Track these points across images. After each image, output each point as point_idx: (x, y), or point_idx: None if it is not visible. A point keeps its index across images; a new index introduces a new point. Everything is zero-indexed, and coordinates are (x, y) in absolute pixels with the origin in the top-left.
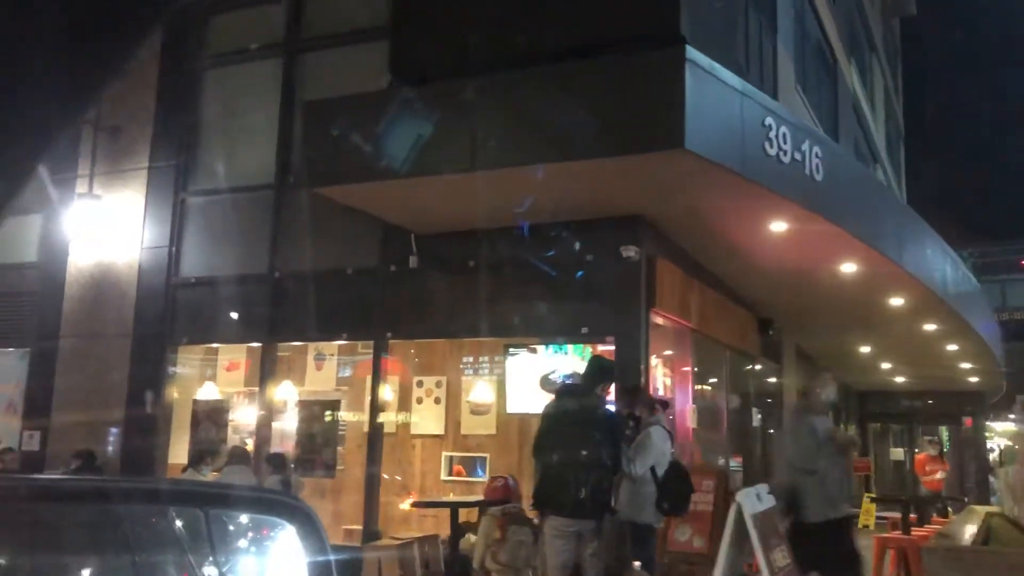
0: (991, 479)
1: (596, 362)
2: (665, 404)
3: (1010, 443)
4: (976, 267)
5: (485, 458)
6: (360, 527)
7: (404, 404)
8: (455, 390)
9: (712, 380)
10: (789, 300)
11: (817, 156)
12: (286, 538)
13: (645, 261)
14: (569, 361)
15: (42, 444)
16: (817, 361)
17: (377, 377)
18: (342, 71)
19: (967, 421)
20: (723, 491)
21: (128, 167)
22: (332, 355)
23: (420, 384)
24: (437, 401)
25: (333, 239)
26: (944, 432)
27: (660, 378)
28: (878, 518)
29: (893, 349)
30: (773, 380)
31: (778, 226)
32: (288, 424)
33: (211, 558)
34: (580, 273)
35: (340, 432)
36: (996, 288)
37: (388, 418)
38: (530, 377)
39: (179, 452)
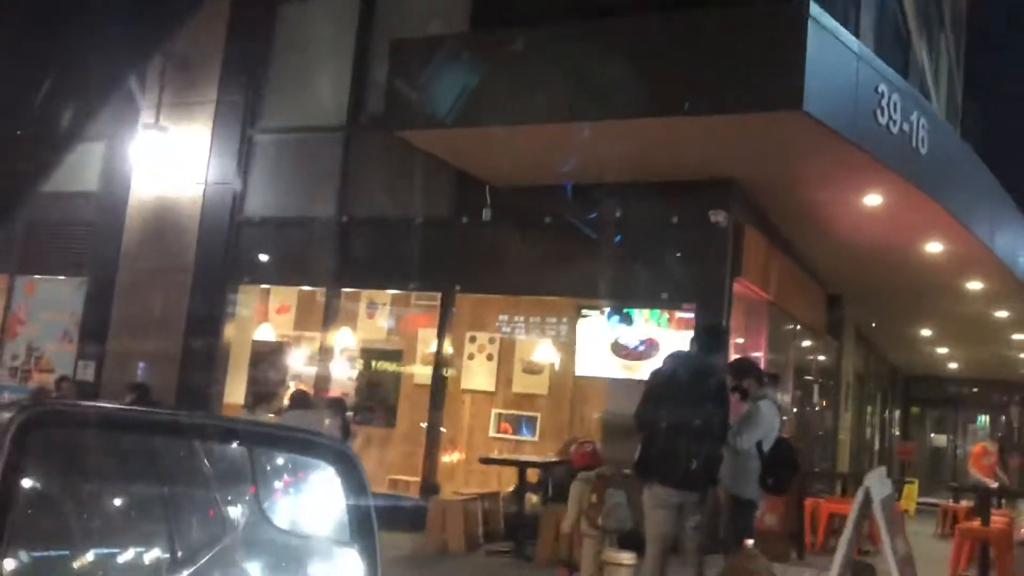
0: None
1: (711, 328)
2: (776, 378)
3: None
4: None
5: (535, 417)
6: (408, 478)
7: (455, 359)
8: (508, 347)
9: (780, 355)
10: (861, 278)
11: (923, 128)
12: (328, 479)
13: (733, 227)
14: (645, 327)
15: (96, 374)
16: (872, 341)
17: (443, 329)
18: (421, 11)
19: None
20: None
21: (195, 100)
22: (384, 304)
23: (473, 340)
24: (489, 358)
25: (405, 186)
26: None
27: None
28: (927, 504)
29: (955, 334)
30: (833, 358)
31: (873, 199)
32: (343, 371)
33: (254, 495)
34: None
35: (388, 382)
36: None
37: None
38: (602, 340)
39: (235, 391)
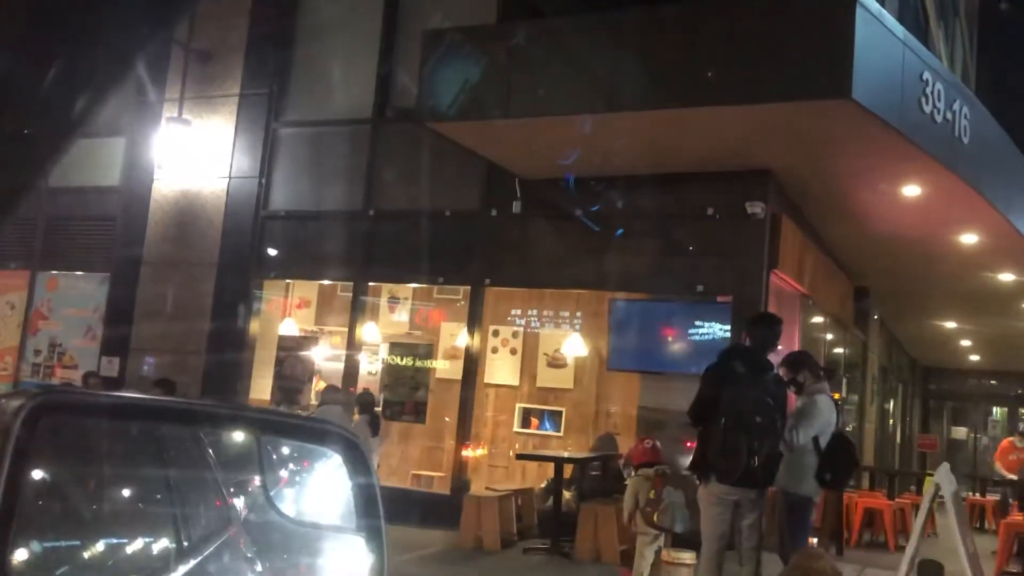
0: None
1: (765, 320)
2: (831, 372)
3: None
4: None
5: (560, 412)
6: (432, 473)
7: (479, 353)
8: (531, 341)
9: (812, 349)
10: (889, 270)
11: (966, 117)
12: (334, 467)
13: (770, 218)
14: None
15: (121, 370)
16: (894, 334)
17: (473, 323)
18: (446, 3)
19: None
20: None
21: (218, 93)
22: (406, 299)
23: (496, 334)
24: (513, 352)
25: (432, 179)
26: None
27: None
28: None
29: (980, 327)
30: (859, 351)
31: (912, 189)
32: (368, 365)
33: (260, 483)
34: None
35: (411, 376)
36: None
37: (460, 366)
38: (636, 333)
39: (261, 387)
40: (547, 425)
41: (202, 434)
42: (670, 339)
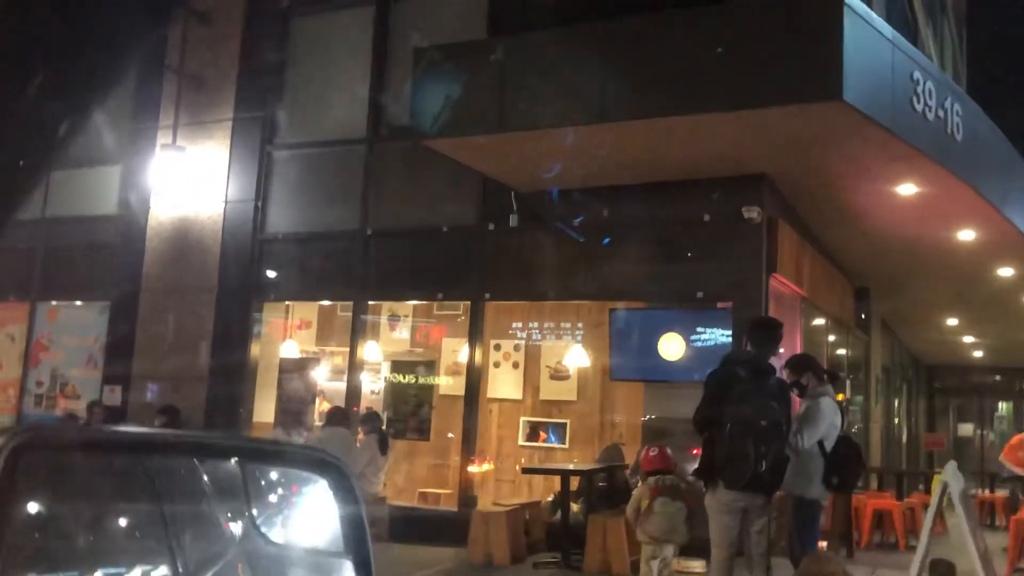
0: None
1: (764, 325)
2: (835, 375)
3: None
4: None
5: (564, 424)
6: (438, 490)
7: (481, 368)
8: (533, 354)
9: (814, 351)
10: (889, 269)
11: (958, 115)
12: (320, 492)
13: (766, 223)
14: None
15: (123, 399)
16: (897, 333)
17: (474, 338)
18: (437, 18)
19: None
20: None
21: (212, 118)
22: (406, 316)
23: (498, 348)
24: (515, 365)
25: (428, 195)
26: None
27: None
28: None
29: (982, 322)
30: (861, 351)
31: (907, 188)
32: (371, 384)
33: (248, 509)
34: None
35: (414, 394)
36: None
37: (462, 382)
38: (637, 342)
39: (264, 410)
40: (552, 438)
41: (191, 464)
42: (672, 347)
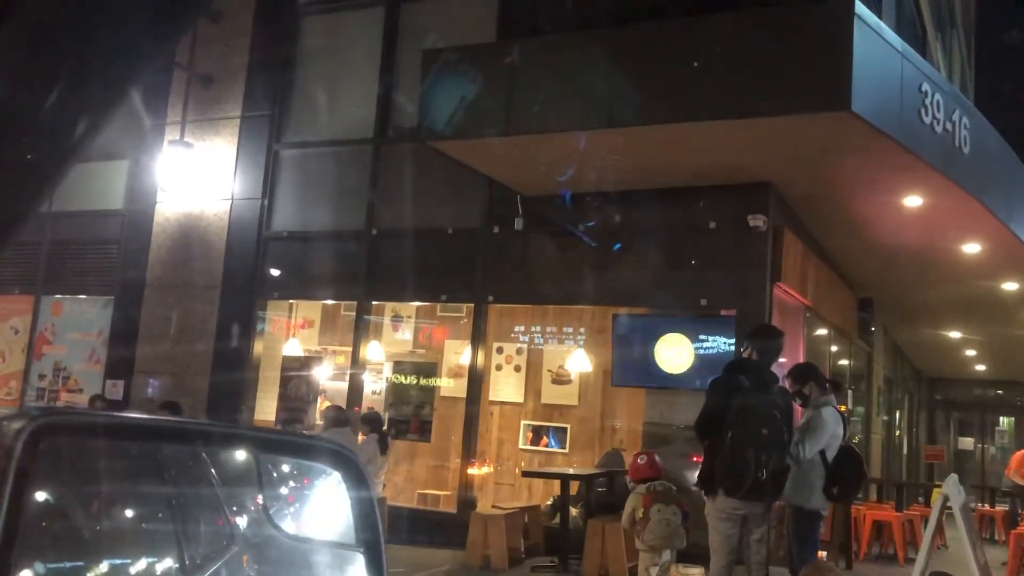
0: None
1: (767, 333)
2: (838, 385)
3: None
4: None
5: (565, 428)
6: (437, 492)
7: (483, 370)
8: (535, 357)
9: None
10: (893, 280)
11: (965, 127)
12: (333, 484)
13: (772, 231)
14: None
15: (125, 394)
16: (899, 345)
17: (476, 341)
18: (447, 21)
19: None
20: None
21: (220, 116)
22: (409, 317)
23: (500, 351)
24: (517, 369)
25: (434, 197)
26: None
27: None
28: None
29: (985, 336)
30: (864, 362)
31: (913, 200)
32: (373, 385)
33: (259, 501)
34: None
35: (415, 395)
36: None
37: (464, 384)
38: (640, 348)
39: (266, 408)
40: (552, 442)
41: (203, 453)
42: (674, 354)
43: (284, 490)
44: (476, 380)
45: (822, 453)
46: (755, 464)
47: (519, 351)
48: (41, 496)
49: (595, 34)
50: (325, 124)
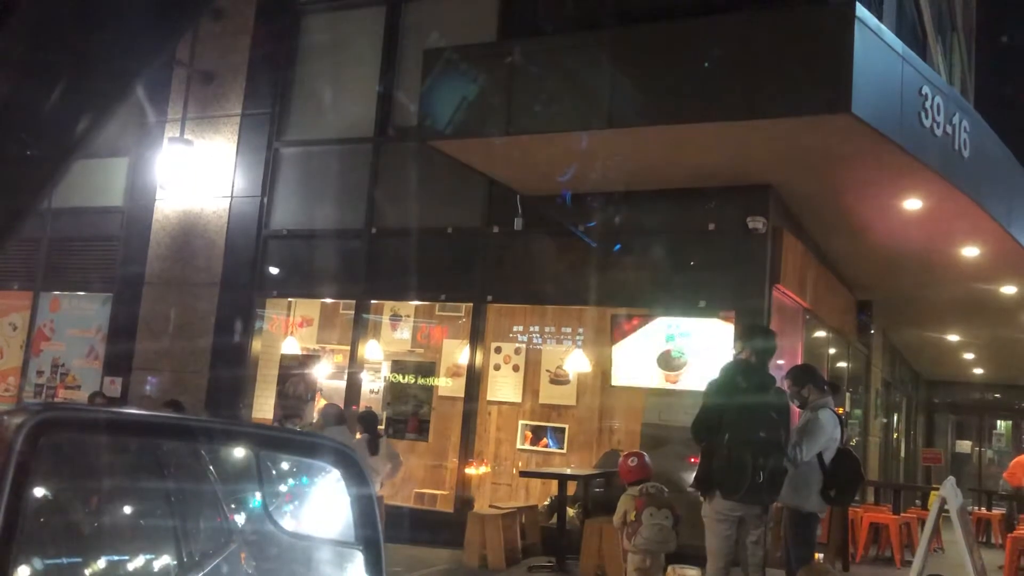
0: None
1: (763, 336)
2: (836, 387)
3: None
4: None
5: (563, 429)
6: (434, 491)
7: (481, 370)
8: (534, 357)
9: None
10: (891, 283)
11: (965, 131)
12: (332, 481)
13: (771, 233)
14: (685, 337)
15: (123, 391)
16: (897, 348)
17: (475, 340)
18: (448, 21)
19: None
20: None
21: (220, 113)
22: (408, 316)
23: (498, 351)
24: (516, 368)
25: (434, 196)
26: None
27: None
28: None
29: (983, 339)
30: (862, 365)
31: (913, 203)
32: (371, 384)
33: (259, 498)
34: (618, 246)
35: (413, 394)
36: None
37: (462, 383)
38: (638, 349)
39: (264, 406)
40: (551, 442)
41: (202, 450)
42: (673, 355)
43: (283, 487)
44: (474, 380)
45: (819, 455)
46: (752, 466)
47: (517, 351)
48: (41, 491)
49: (596, 35)
50: (325, 122)
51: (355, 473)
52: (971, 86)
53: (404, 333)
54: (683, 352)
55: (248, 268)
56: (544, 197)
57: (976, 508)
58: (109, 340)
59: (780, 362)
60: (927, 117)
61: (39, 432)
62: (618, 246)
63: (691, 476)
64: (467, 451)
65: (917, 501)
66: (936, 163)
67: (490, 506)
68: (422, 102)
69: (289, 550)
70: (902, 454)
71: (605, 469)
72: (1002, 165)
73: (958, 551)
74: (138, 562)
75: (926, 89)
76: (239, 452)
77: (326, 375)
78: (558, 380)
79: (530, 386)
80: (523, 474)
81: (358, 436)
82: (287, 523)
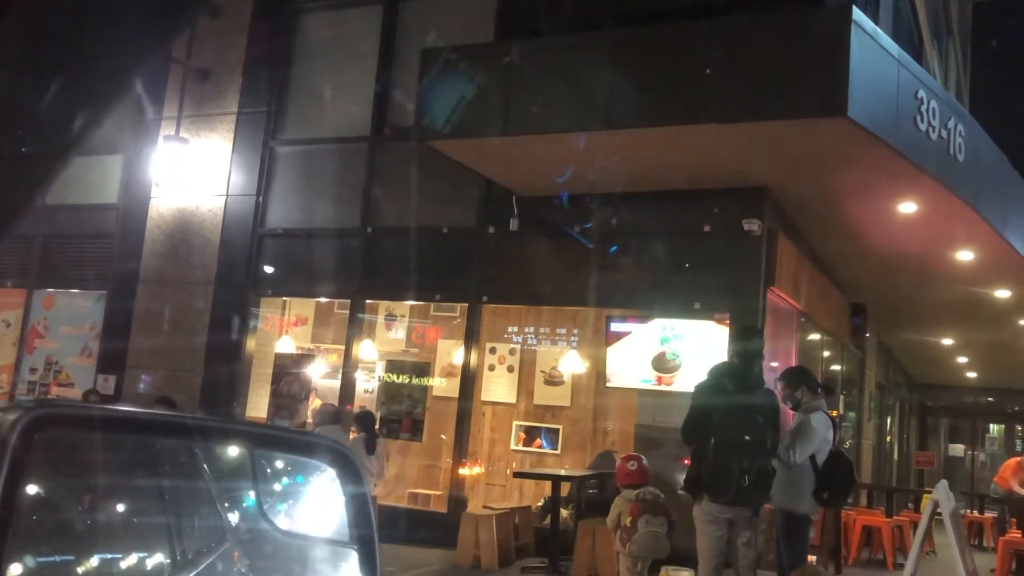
0: None
1: (749, 337)
2: (829, 389)
3: None
4: None
5: (557, 429)
6: (428, 491)
7: (476, 370)
8: (528, 358)
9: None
10: (886, 286)
11: (960, 135)
12: (327, 481)
13: (767, 236)
14: (680, 338)
15: (117, 389)
16: (891, 351)
17: (470, 341)
18: (445, 21)
19: None
20: None
21: (216, 112)
22: (403, 316)
23: (493, 351)
24: (510, 369)
25: (430, 196)
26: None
27: None
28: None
29: (978, 343)
30: (856, 368)
31: (908, 207)
32: (365, 383)
33: (253, 497)
34: (614, 248)
35: (408, 394)
36: None
37: (457, 383)
38: (633, 350)
39: (258, 405)
40: (545, 443)
41: (197, 448)
42: (667, 357)
43: (278, 486)
44: (469, 380)
45: (812, 458)
46: (737, 470)
47: (512, 351)
48: (35, 488)
49: (594, 36)
50: (322, 121)
51: (350, 472)
52: (966, 91)
53: (399, 333)
54: (678, 354)
55: (243, 266)
56: (540, 198)
57: (968, 511)
58: (103, 338)
59: (774, 364)
60: (923, 121)
61: (33, 429)
62: (614, 248)
63: (683, 477)
64: (461, 451)
65: (910, 504)
66: (931, 167)
67: (484, 507)
68: (419, 102)
69: (283, 549)
70: (895, 457)
71: (599, 470)
72: (997, 170)
73: (950, 554)
74: (131, 560)
75: (922, 93)
76: (234, 450)
77: (321, 374)
78: (553, 381)
79: (525, 387)
80: (517, 475)
81: (352, 435)
82: (281, 522)
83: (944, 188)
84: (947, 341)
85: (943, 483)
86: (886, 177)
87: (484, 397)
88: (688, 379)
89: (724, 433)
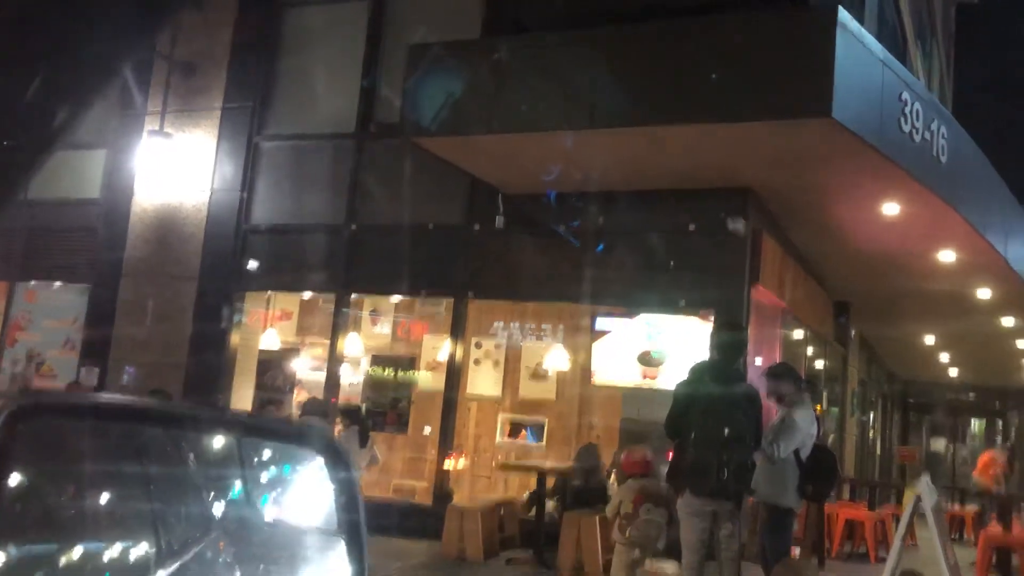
0: None
1: (729, 332)
2: (812, 384)
3: None
4: None
5: (543, 423)
6: (413, 482)
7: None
8: (514, 353)
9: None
10: (869, 285)
11: (943, 137)
12: (315, 470)
13: (751, 235)
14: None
15: (100, 381)
16: (874, 348)
17: (456, 335)
18: (432, 17)
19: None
20: None
21: (201, 106)
22: (388, 311)
23: (479, 346)
24: (496, 364)
25: (415, 193)
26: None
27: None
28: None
29: (959, 342)
30: (839, 365)
31: (891, 207)
32: (350, 377)
33: (240, 486)
34: (600, 247)
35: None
36: None
37: (442, 378)
38: (620, 347)
39: (242, 399)
40: (530, 436)
41: (183, 437)
42: (652, 353)
43: (265, 475)
44: (454, 374)
45: (796, 452)
46: (716, 464)
47: (498, 347)
48: (19, 478)
49: (580, 34)
50: (307, 117)
51: (338, 461)
52: (949, 92)
53: (385, 328)
54: (663, 350)
55: (227, 262)
56: (526, 195)
57: (950, 505)
58: (86, 331)
59: (758, 360)
60: (906, 123)
61: (18, 418)
62: (600, 246)
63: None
64: (446, 444)
65: (892, 498)
66: (914, 168)
67: (469, 499)
68: (405, 98)
69: (270, 538)
70: (878, 452)
71: (583, 462)
72: (979, 171)
73: (932, 547)
74: (116, 549)
75: (906, 95)
76: (220, 439)
77: (305, 369)
78: (538, 376)
79: (510, 381)
80: (502, 467)
81: (339, 429)
82: (269, 511)
83: (927, 189)
84: (929, 339)
85: (926, 477)
86: (870, 178)
87: (470, 391)
88: (673, 375)
89: (704, 427)
